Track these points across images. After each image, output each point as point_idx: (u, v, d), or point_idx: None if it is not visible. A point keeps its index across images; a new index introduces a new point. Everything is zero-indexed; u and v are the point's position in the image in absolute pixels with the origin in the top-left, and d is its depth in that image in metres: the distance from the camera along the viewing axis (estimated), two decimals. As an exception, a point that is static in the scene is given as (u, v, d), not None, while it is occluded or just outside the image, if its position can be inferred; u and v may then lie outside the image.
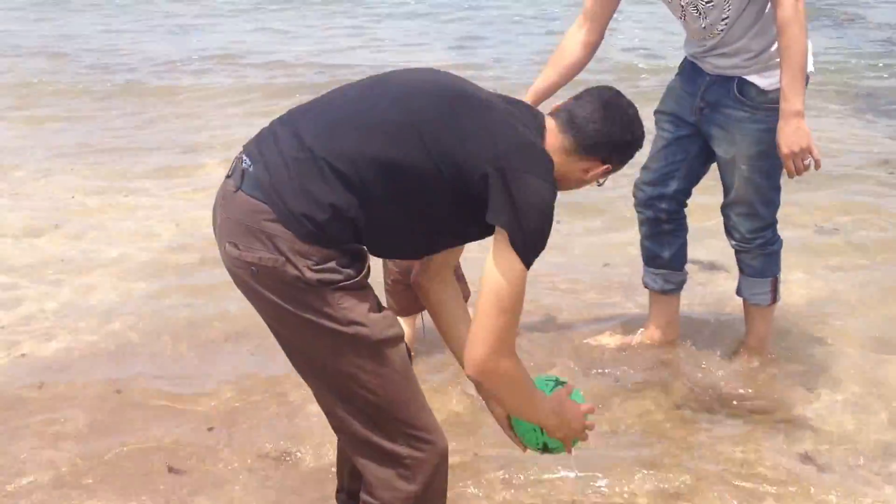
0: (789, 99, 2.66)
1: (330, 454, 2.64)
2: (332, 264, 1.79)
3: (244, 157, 1.85)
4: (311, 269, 1.77)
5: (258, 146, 1.86)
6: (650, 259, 3.27)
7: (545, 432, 2.02)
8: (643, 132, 1.99)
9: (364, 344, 1.81)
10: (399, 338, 1.88)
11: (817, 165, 2.72)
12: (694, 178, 3.14)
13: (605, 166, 1.96)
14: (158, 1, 12.36)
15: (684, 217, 3.21)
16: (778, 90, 2.72)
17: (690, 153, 3.06)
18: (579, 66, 3.05)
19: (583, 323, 3.59)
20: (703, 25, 2.84)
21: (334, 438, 2.10)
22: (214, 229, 1.92)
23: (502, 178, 1.77)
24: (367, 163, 1.77)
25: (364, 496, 1.94)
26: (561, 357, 3.29)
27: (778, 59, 2.71)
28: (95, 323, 3.64)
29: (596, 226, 4.63)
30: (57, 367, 3.31)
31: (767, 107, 2.80)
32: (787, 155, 2.70)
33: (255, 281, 1.82)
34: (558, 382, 2.09)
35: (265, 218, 1.78)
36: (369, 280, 1.89)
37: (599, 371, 3.22)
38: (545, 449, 2.07)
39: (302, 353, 1.88)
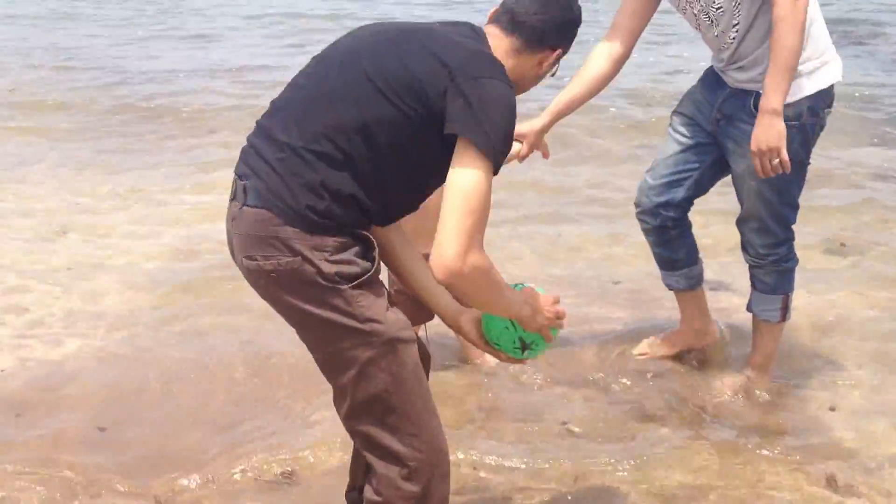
0: (768, 95, 2.65)
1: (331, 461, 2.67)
2: (346, 255, 1.84)
3: (238, 178, 1.92)
4: (328, 262, 1.82)
5: (245, 162, 1.92)
6: (666, 264, 3.26)
7: (519, 327, 2.04)
8: (580, 6, 2.04)
9: (379, 341, 1.86)
10: (412, 340, 1.92)
11: (785, 168, 2.70)
12: (702, 189, 3.12)
13: (556, 52, 2.00)
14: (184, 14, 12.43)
15: (688, 219, 3.19)
16: (793, 105, 2.73)
17: (704, 163, 3.05)
18: (605, 80, 3.04)
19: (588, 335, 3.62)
20: (715, 34, 2.85)
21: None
22: (232, 255, 1.97)
23: (457, 88, 1.79)
24: (340, 134, 1.82)
25: (367, 489, 1.98)
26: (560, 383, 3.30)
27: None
28: (103, 329, 3.67)
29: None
30: (64, 372, 3.34)
31: None
32: (754, 152, 2.69)
33: (277, 287, 1.86)
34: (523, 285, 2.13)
35: (273, 223, 1.83)
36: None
37: (603, 394, 3.20)
38: (523, 347, 2.07)
39: (323, 352, 1.93)
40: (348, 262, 1.84)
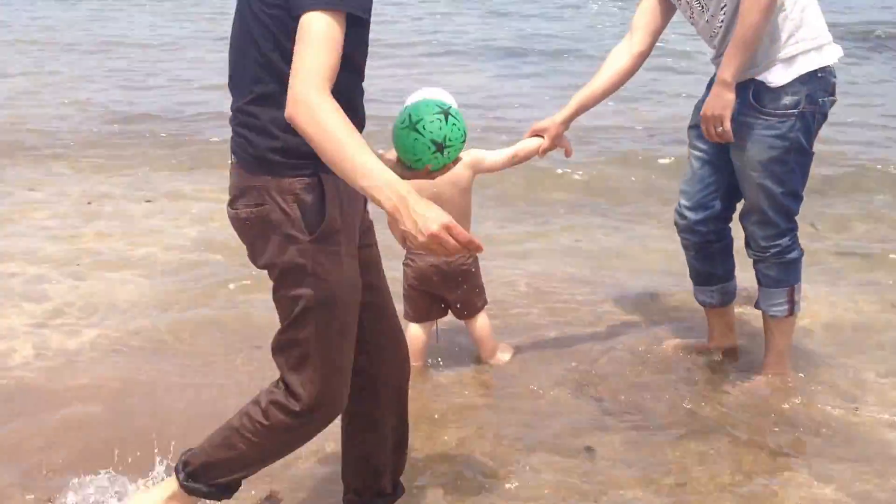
0: (723, 67, 2.77)
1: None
2: (310, 199, 1.94)
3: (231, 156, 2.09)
4: (294, 205, 1.93)
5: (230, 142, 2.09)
6: (703, 278, 3.25)
7: (426, 130, 2.09)
8: None
9: (320, 296, 1.97)
10: (353, 303, 2.02)
11: (727, 137, 2.81)
12: (735, 194, 3.10)
13: None
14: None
15: (730, 230, 3.19)
16: (790, 91, 2.78)
17: (725, 171, 3.04)
18: (626, 75, 3.11)
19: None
20: (706, 19, 2.89)
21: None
22: None
23: None
24: (259, 71, 1.92)
25: (262, 396, 2.12)
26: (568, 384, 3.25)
27: (785, 53, 2.77)
28: (120, 320, 3.71)
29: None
30: (81, 362, 3.37)
31: (780, 113, 2.82)
32: (702, 116, 2.84)
33: (250, 233, 2.01)
34: (447, 113, 2.12)
35: (246, 174, 1.99)
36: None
37: (613, 399, 3.15)
38: (440, 148, 2.12)
39: (276, 294, 2.04)
40: (312, 210, 1.94)
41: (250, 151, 1.97)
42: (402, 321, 3.18)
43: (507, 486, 2.61)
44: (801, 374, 3.23)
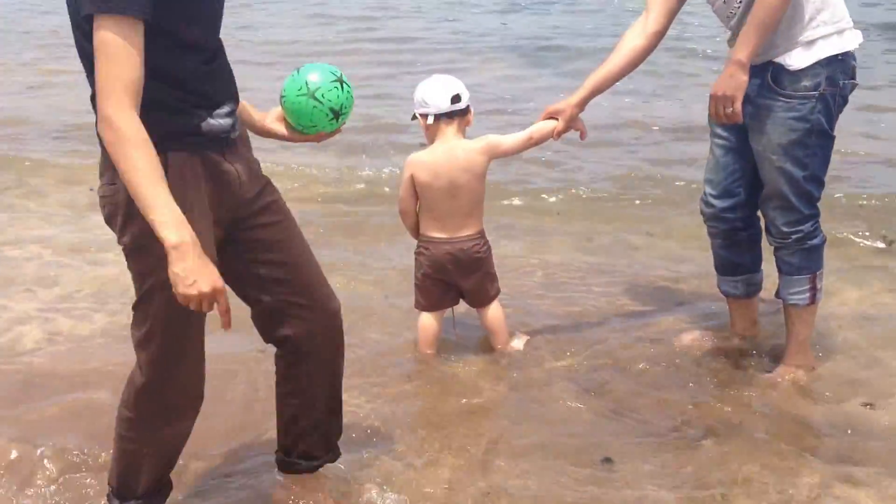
0: (738, 48, 2.70)
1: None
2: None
3: None
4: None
5: None
6: (729, 268, 3.19)
7: (325, 98, 2.17)
8: None
9: (161, 277, 1.91)
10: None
11: (736, 118, 2.74)
12: (760, 181, 3.01)
13: None
14: None
15: (758, 219, 3.13)
16: (810, 74, 2.72)
17: (749, 157, 2.97)
18: (642, 54, 3.05)
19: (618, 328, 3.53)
20: (724, 0, 2.83)
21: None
22: None
23: None
24: (87, 64, 1.88)
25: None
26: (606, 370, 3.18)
27: (805, 37, 2.71)
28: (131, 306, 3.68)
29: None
30: (91, 348, 3.36)
31: (800, 95, 2.76)
32: (711, 95, 2.75)
33: (105, 211, 2.01)
34: (342, 81, 2.21)
35: (105, 152, 1.95)
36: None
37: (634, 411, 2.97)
38: (336, 115, 2.22)
39: (133, 278, 2.06)
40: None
41: None
42: (414, 311, 3.24)
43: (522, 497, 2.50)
44: (825, 366, 3.13)
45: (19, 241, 4.42)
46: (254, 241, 2.14)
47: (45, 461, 2.64)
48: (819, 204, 2.95)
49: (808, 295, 3.00)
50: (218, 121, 2.00)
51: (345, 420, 2.46)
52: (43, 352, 3.34)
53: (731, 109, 2.72)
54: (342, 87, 2.21)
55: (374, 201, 5.03)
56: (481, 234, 3.19)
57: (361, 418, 2.84)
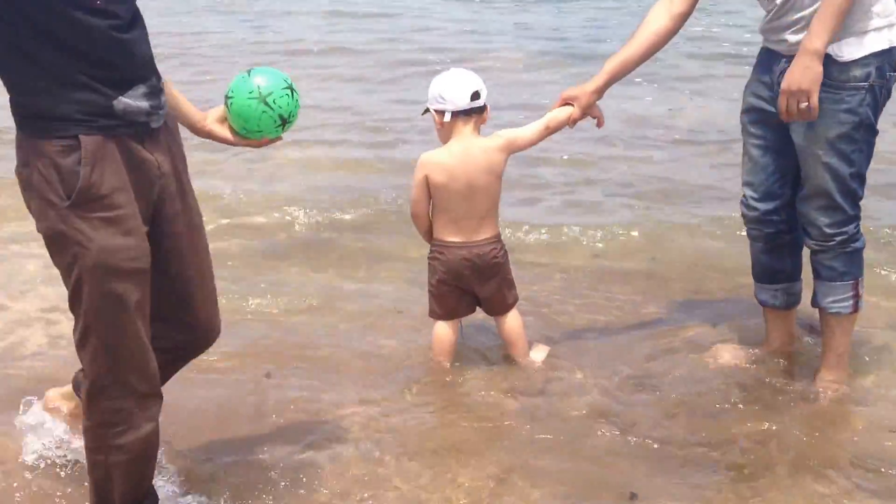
0: (811, 35, 2.53)
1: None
2: (68, 162, 1.84)
3: None
4: (49, 167, 1.84)
5: None
6: (769, 275, 3.04)
7: (276, 104, 2.13)
8: None
9: (87, 264, 1.88)
10: (129, 272, 1.90)
11: (812, 115, 2.57)
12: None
13: None
14: None
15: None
16: (860, 65, 2.59)
17: (789, 155, 2.82)
18: (666, 35, 2.90)
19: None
20: None
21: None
22: None
23: None
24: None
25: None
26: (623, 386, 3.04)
27: (859, 28, 2.58)
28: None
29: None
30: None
31: (850, 86, 2.62)
32: (783, 91, 2.57)
33: (23, 195, 1.94)
34: (292, 88, 2.18)
35: (21, 134, 1.94)
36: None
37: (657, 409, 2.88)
38: (283, 122, 2.18)
39: (60, 270, 1.98)
40: (70, 174, 1.85)
41: (17, 112, 1.91)
42: (429, 320, 3.10)
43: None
44: (868, 379, 2.98)
45: (21, 238, 4.33)
46: (162, 248, 2.07)
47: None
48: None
49: (851, 303, 2.84)
50: (134, 101, 1.87)
51: (355, 434, 2.33)
52: (45, 356, 3.26)
53: (805, 104, 2.55)
54: (292, 95, 2.19)
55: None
56: (498, 238, 3.06)
57: (368, 435, 2.70)
